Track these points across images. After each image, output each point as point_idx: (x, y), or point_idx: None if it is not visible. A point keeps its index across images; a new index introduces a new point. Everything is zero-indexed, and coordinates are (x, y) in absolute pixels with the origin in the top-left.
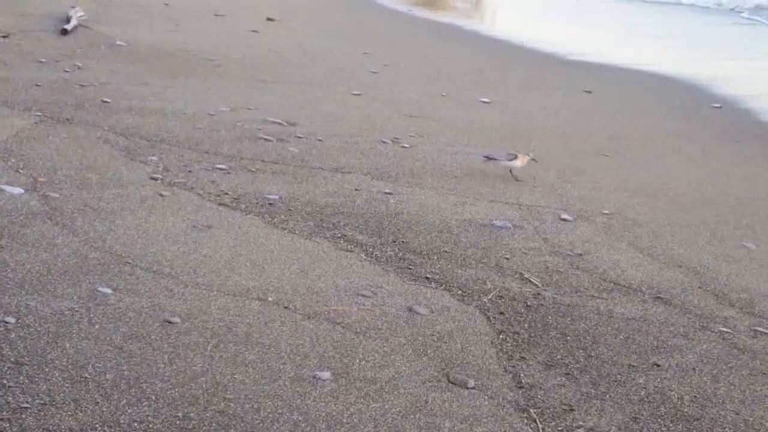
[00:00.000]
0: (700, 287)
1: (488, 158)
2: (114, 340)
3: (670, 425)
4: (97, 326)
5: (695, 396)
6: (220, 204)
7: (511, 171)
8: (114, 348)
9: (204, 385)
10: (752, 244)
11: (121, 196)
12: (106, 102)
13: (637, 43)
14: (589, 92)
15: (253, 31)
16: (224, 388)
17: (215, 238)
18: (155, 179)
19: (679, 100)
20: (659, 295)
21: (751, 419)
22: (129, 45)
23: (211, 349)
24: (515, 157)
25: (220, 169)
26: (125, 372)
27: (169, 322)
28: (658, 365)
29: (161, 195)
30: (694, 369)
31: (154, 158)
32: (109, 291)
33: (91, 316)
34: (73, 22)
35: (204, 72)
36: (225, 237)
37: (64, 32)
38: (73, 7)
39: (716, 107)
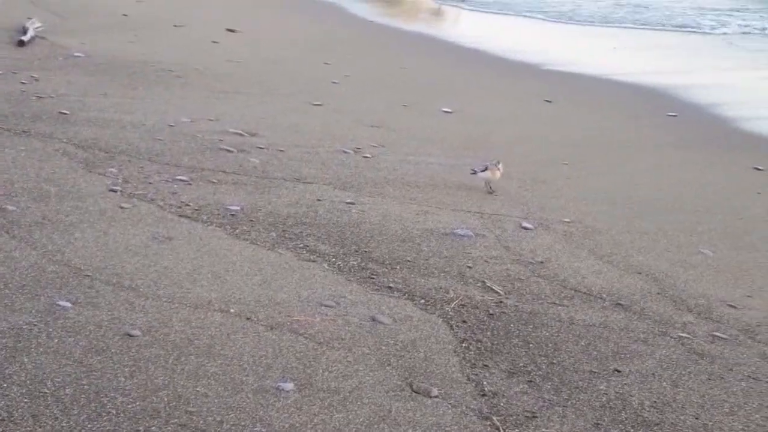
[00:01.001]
0: (658, 293)
1: (474, 172)
2: (73, 354)
3: (631, 430)
4: (56, 340)
5: (655, 401)
6: (181, 215)
7: (487, 184)
8: (73, 362)
9: (165, 399)
10: (709, 251)
11: (79, 208)
12: (63, 113)
13: (596, 52)
14: (549, 101)
15: (214, 41)
16: (186, 401)
17: (176, 250)
18: (115, 191)
19: (637, 108)
20: (619, 301)
21: (710, 423)
22: (87, 56)
23: (173, 361)
24: (485, 168)
25: (181, 180)
26: (85, 386)
27: (130, 336)
28: (619, 371)
29: (121, 207)
30: (653, 374)
31: (114, 170)
32: (68, 304)
33: (50, 330)
34: (30, 34)
35: (164, 83)
36: (186, 249)
37: (21, 44)
38: (30, 19)
39: (672, 116)
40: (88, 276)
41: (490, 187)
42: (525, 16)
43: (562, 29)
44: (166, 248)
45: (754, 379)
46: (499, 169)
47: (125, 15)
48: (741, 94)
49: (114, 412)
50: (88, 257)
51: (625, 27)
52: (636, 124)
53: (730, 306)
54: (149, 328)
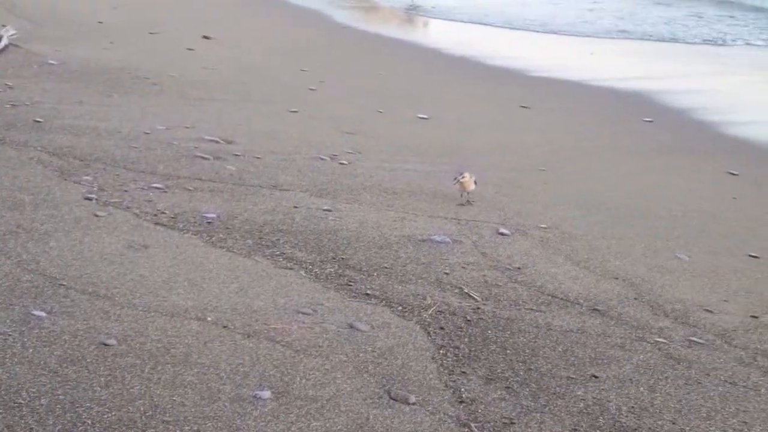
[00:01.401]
0: (635, 298)
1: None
2: (49, 364)
3: None
4: (30, 350)
5: (633, 406)
6: (156, 223)
7: (463, 196)
8: (49, 372)
9: (142, 408)
10: (685, 255)
11: (54, 216)
12: (38, 121)
13: (572, 58)
14: (526, 107)
15: (189, 48)
16: (162, 410)
17: (152, 258)
18: (90, 199)
19: (613, 114)
20: (596, 307)
21: (688, 428)
22: (62, 63)
23: (149, 371)
24: (459, 177)
25: (157, 188)
26: (60, 396)
27: (106, 345)
28: (596, 377)
29: (96, 215)
30: (631, 380)
31: (89, 178)
32: (43, 314)
33: (25, 340)
34: (4, 41)
35: (139, 90)
36: (162, 257)
37: None
38: (4, 26)
39: (648, 121)
40: (63, 285)
41: (466, 197)
42: (499, 26)
43: (538, 37)
44: (142, 256)
45: (731, 383)
46: (464, 178)
47: (100, 22)
48: (716, 100)
49: (90, 422)
50: (63, 266)
51: (601, 37)
52: (612, 130)
53: (707, 311)
54: (125, 337)
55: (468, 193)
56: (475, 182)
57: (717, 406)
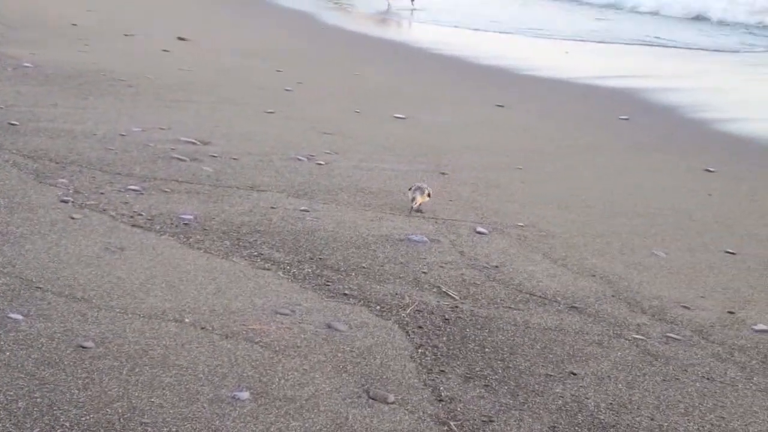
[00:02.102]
0: (613, 296)
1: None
2: (26, 367)
3: None
4: (7, 353)
5: (611, 403)
6: (133, 225)
7: (414, 206)
8: (26, 375)
9: (120, 410)
10: (662, 253)
11: (30, 219)
12: (13, 124)
13: (548, 57)
14: (501, 106)
15: (165, 50)
16: (141, 412)
17: (129, 260)
18: (66, 202)
19: (589, 112)
20: (574, 304)
21: (666, 424)
22: (36, 66)
23: (127, 373)
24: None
25: (133, 190)
26: (38, 399)
27: (83, 347)
28: (575, 374)
29: (72, 218)
30: (609, 376)
31: (64, 180)
32: (19, 317)
33: (1, 343)
34: None
35: (115, 92)
36: (139, 259)
37: None
38: None
39: (624, 119)
40: (40, 288)
41: (417, 207)
42: (476, 29)
43: (513, 39)
44: (119, 259)
45: (708, 379)
46: (419, 191)
47: (75, 25)
48: (691, 98)
49: (68, 425)
50: (40, 269)
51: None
52: (588, 128)
53: (684, 307)
54: (102, 340)
55: (420, 204)
56: (429, 195)
57: (695, 401)
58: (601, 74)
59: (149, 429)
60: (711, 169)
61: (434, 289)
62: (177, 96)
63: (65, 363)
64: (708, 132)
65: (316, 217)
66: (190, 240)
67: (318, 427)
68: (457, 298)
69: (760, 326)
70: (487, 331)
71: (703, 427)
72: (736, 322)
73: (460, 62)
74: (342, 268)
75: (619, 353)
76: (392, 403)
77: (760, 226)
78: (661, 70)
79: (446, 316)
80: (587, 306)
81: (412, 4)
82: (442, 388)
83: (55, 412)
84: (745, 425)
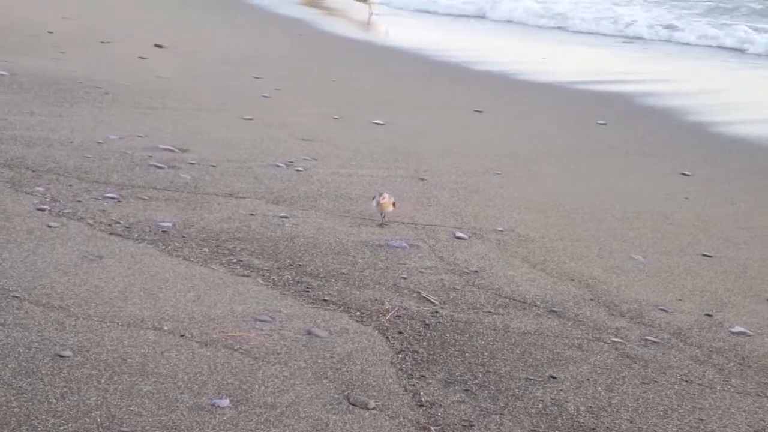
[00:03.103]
0: (592, 299)
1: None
2: (3, 377)
3: None
4: None
5: (591, 406)
6: (111, 233)
7: (382, 215)
8: (3, 385)
9: (98, 419)
10: (640, 256)
11: (6, 228)
12: None
13: (526, 60)
14: (480, 111)
15: (142, 57)
16: (120, 420)
17: (107, 269)
18: (42, 210)
19: (567, 117)
20: (553, 308)
21: (645, 427)
22: (12, 74)
23: (105, 381)
24: (379, 198)
25: (111, 197)
26: (15, 409)
27: (61, 356)
28: (554, 377)
29: (49, 226)
30: (588, 380)
31: (41, 189)
32: None
33: None
34: None
35: (92, 100)
36: (117, 267)
37: None
38: None
39: (601, 124)
40: (17, 297)
41: (383, 218)
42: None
43: (491, 43)
44: (97, 267)
45: (686, 381)
46: (383, 199)
47: (50, 32)
48: (668, 102)
49: None
50: (16, 278)
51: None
52: (566, 133)
53: (662, 310)
54: (80, 348)
55: (385, 214)
56: (394, 204)
57: (673, 404)
58: (577, 79)
59: None
60: (687, 173)
61: (414, 295)
62: (154, 103)
63: (43, 372)
64: (684, 136)
65: (296, 223)
66: (169, 247)
67: None
68: (437, 303)
69: (738, 328)
70: (467, 335)
71: (681, 429)
72: (714, 325)
73: (437, 67)
74: (321, 275)
75: (599, 356)
76: (373, 408)
77: (736, 229)
78: (638, 73)
79: (426, 322)
80: (566, 310)
81: (371, 8)
82: (422, 393)
83: (32, 421)
84: (723, 427)
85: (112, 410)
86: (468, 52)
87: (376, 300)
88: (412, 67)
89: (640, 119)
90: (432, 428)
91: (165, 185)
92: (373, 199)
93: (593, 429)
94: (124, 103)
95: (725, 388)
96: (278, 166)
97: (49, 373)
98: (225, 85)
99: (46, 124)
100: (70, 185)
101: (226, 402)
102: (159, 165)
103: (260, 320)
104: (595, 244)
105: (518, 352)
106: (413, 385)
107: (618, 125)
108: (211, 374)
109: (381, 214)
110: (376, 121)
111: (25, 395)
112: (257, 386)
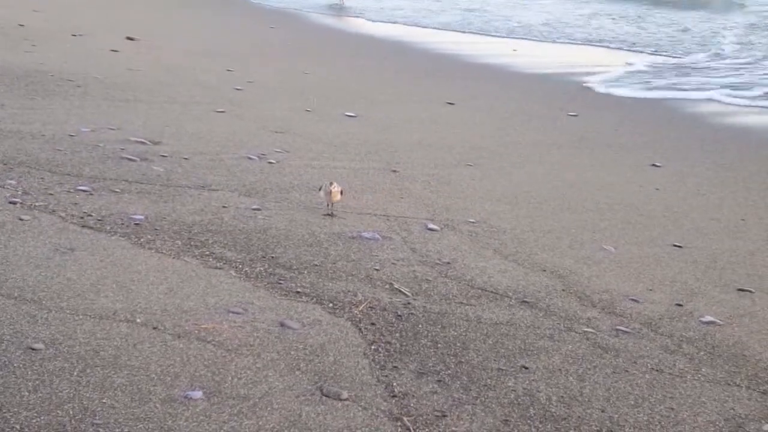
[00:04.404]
0: (563, 290)
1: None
2: None
3: (540, 426)
4: None
5: (562, 396)
6: (83, 226)
7: (329, 206)
8: None
9: (71, 412)
10: (611, 247)
11: None
12: None
13: (496, 54)
14: (452, 104)
15: (113, 50)
16: (92, 413)
17: (79, 261)
18: (14, 203)
19: (538, 109)
20: (525, 299)
21: (617, 416)
22: None
23: (78, 374)
24: (327, 186)
25: (83, 190)
26: None
27: (33, 349)
28: (526, 368)
29: (21, 219)
30: (560, 370)
31: (13, 182)
32: None
33: None
34: None
35: (63, 92)
36: (90, 259)
37: None
38: None
39: (573, 116)
40: None
41: (330, 208)
42: (424, 27)
43: (462, 37)
44: (69, 260)
45: (657, 371)
46: (333, 187)
47: (21, 25)
48: (639, 93)
49: (18, 427)
50: None
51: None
52: (537, 125)
53: (633, 300)
54: (53, 341)
55: (332, 204)
56: (342, 192)
57: (644, 393)
58: (547, 71)
59: (101, 430)
60: (658, 164)
61: (386, 286)
62: (126, 96)
63: (15, 365)
64: (654, 127)
65: (268, 215)
66: (141, 240)
67: (271, 426)
68: (410, 294)
69: (708, 318)
70: (439, 326)
71: (652, 418)
72: (684, 315)
73: (409, 60)
74: (294, 266)
75: (570, 347)
76: (345, 399)
77: (706, 219)
78: (606, 65)
79: (399, 313)
80: (538, 300)
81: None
82: (395, 384)
83: (5, 414)
84: (694, 415)
85: (84, 403)
86: (438, 44)
87: (348, 291)
88: (384, 61)
89: (611, 111)
90: (405, 419)
91: (137, 178)
92: (320, 189)
93: (565, 418)
94: (96, 96)
95: (696, 377)
96: (250, 158)
97: (21, 366)
98: (197, 77)
99: (18, 117)
100: (42, 178)
101: (199, 394)
102: (131, 158)
103: (233, 312)
104: (567, 235)
105: (490, 342)
106: (386, 376)
107: (589, 117)
108: (184, 366)
109: (328, 204)
110: (348, 114)
111: None
112: (230, 378)
